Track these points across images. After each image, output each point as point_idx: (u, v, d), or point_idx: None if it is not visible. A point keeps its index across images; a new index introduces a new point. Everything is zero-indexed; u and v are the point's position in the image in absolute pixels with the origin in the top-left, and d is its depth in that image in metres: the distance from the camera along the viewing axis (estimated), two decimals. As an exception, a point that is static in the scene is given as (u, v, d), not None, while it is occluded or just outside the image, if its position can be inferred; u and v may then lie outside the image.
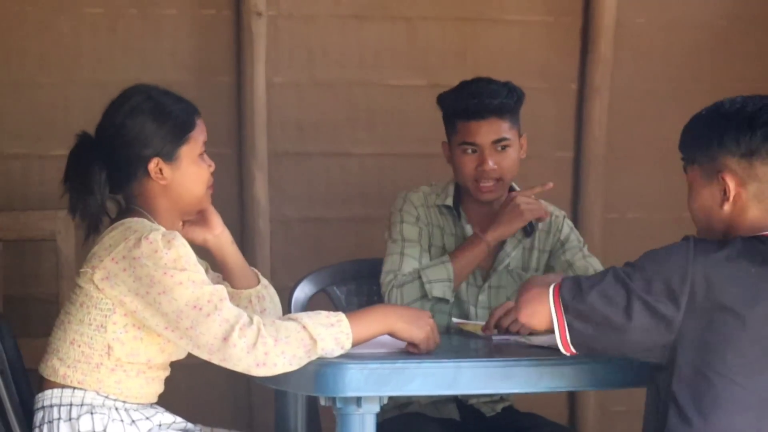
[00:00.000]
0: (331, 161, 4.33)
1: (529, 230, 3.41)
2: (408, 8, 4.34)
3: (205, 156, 2.79)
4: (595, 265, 3.41)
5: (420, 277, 3.26)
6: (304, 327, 2.54)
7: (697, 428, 2.34)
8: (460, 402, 3.36)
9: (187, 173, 2.73)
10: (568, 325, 2.41)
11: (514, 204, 3.26)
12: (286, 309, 3.39)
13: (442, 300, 3.27)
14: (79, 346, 2.64)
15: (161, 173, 2.71)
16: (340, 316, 2.59)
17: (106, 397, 2.65)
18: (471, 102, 3.30)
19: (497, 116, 3.30)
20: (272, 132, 4.25)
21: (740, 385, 2.34)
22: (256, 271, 2.96)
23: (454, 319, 3.28)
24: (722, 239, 2.45)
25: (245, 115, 4.21)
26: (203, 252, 2.86)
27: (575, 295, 2.40)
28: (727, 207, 2.47)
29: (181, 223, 2.83)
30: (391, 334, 2.65)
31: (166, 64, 4.17)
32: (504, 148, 3.31)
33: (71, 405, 2.63)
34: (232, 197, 4.23)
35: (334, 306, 3.61)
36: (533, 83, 4.38)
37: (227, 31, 4.23)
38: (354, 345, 2.59)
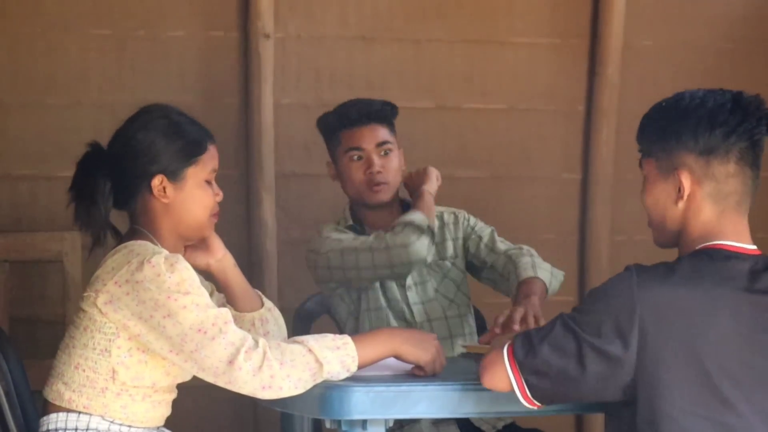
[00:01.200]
0: (338, 183, 4.33)
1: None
2: (416, 30, 4.35)
3: (214, 184, 2.77)
4: (509, 243, 3.51)
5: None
6: (309, 350, 2.53)
7: None
8: (460, 421, 3.35)
9: (191, 196, 2.72)
10: (526, 383, 2.38)
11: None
12: (291, 330, 3.39)
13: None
14: (84, 371, 2.62)
15: (164, 191, 2.70)
16: (346, 338, 2.58)
17: (112, 421, 2.63)
18: (352, 110, 3.49)
19: (377, 122, 3.48)
20: (279, 153, 4.26)
21: (703, 417, 2.28)
22: (260, 293, 2.95)
23: (461, 344, 3.30)
24: (667, 264, 2.37)
25: (252, 137, 4.22)
26: (208, 274, 2.86)
27: (527, 351, 2.36)
28: (681, 204, 2.40)
29: (183, 248, 2.83)
30: (396, 357, 2.64)
31: (173, 86, 4.18)
32: (387, 152, 3.46)
33: (77, 429, 2.62)
34: (239, 218, 4.24)
35: (338, 328, 3.61)
36: (541, 105, 4.40)
37: (235, 52, 4.24)
38: (360, 368, 2.58)
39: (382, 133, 3.47)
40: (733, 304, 2.32)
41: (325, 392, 2.51)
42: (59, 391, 2.64)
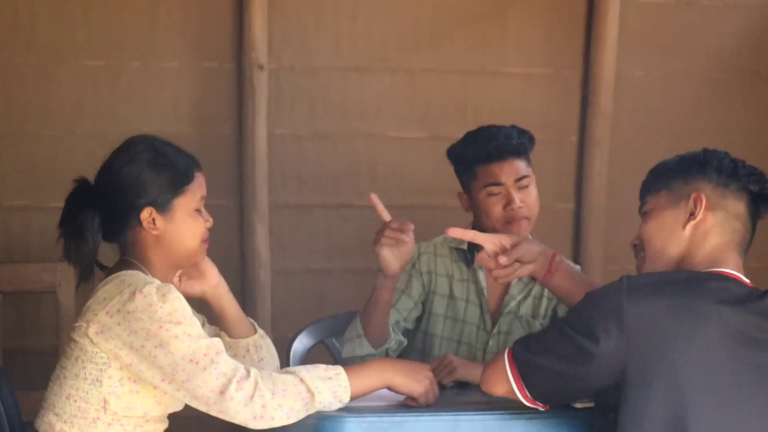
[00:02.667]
0: (332, 213, 4.34)
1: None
2: (409, 60, 4.36)
3: (204, 211, 2.77)
4: None
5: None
6: (301, 380, 2.53)
7: None
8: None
9: (181, 226, 2.71)
10: (524, 384, 2.48)
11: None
12: (285, 361, 3.38)
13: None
14: (75, 401, 2.62)
15: (153, 223, 2.69)
16: (339, 369, 2.58)
17: (103, 452, 2.63)
18: (490, 145, 3.34)
19: (515, 156, 3.35)
20: (273, 183, 4.26)
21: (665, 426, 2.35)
22: (253, 321, 2.95)
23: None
24: (661, 276, 2.47)
25: (246, 167, 4.22)
26: (200, 305, 2.85)
27: (526, 352, 2.48)
28: (689, 228, 2.51)
29: (177, 277, 2.83)
30: (389, 388, 2.64)
31: (167, 117, 4.19)
32: (526, 186, 3.35)
33: (67, 460, 2.62)
34: (233, 249, 4.24)
35: (332, 358, 3.61)
36: (534, 135, 4.40)
37: (229, 83, 4.24)
38: (352, 398, 2.58)
39: (521, 167, 3.34)
40: (721, 320, 2.37)
41: (318, 422, 2.51)
42: (51, 422, 2.64)
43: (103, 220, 2.70)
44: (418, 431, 2.54)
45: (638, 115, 4.51)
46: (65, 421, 2.62)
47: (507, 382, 2.50)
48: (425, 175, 4.25)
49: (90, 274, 2.70)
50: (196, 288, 2.86)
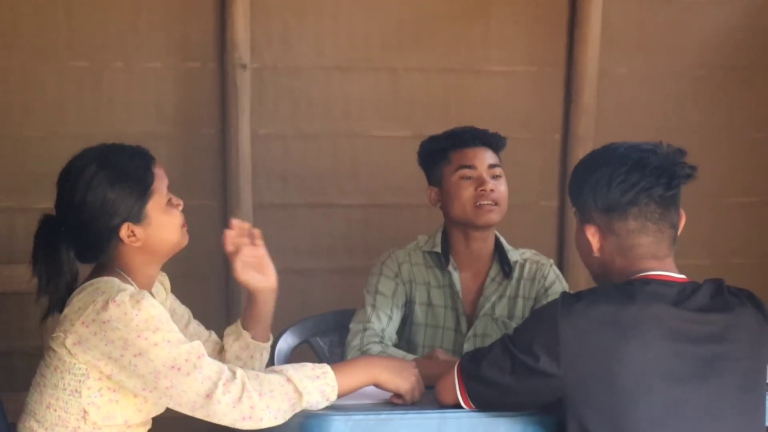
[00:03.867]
0: (316, 212, 4.34)
1: (507, 270, 3.41)
2: (392, 59, 4.36)
3: (172, 198, 2.73)
4: None
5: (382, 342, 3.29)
6: (288, 380, 2.52)
7: None
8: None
9: (159, 226, 2.68)
10: (467, 389, 2.57)
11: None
12: (270, 360, 3.38)
13: None
14: (55, 410, 2.60)
15: (134, 235, 2.66)
16: (326, 368, 2.58)
17: (86, 459, 2.61)
18: (465, 132, 3.41)
19: (488, 146, 3.39)
20: (257, 183, 4.26)
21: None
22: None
23: None
24: (595, 288, 2.51)
25: (230, 167, 4.22)
26: (186, 299, 2.84)
27: (472, 365, 2.56)
28: (598, 253, 2.55)
29: (239, 262, 2.81)
30: (376, 385, 2.64)
31: (151, 117, 4.18)
32: (498, 176, 3.37)
33: (50, 466, 2.60)
34: (217, 249, 4.21)
35: (317, 357, 3.61)
36: (518, 133, 4.41)
37: (212, 83, 4.24)
38: (339, 396, 2.58)
39: (493, 157, 3.40)
40: (659, 318, 2.41)
41: (305, 421, 2.51)
42: (32, 428, 2.62)
43: (77, 248, 2.66)
44: (404, 429, 2.55)
45: (621, 112, 4.52)
46: (46, 429, 2.60)
47: (454, 392, 2.57)
48: (409, 174, 4.23)
49: (63, 304, 2.66)
50: (258, 282, 2.85)
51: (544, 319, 2.46)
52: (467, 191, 3.35)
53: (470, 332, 3.39)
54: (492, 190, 3.33)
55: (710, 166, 4.45)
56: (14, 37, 4.09)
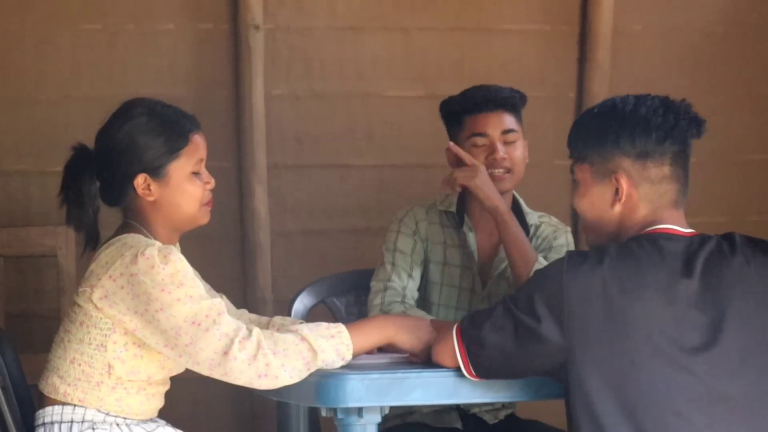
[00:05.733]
0: (331, 173, 4.34)
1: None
2: (405, 19, 4.35)
3: (204, 173, 2.76)
4: None
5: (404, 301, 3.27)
6: (303, 338, 2.53)
7: None
8: (461, 411, 3.36)
9: (177, 191, 2.70)
10: (468, 356, 2.50)
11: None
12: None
13: None
14: (80, 365, 2.63)
15: (149, 189, 2.69)
16: (340, 327, 2.59)
17: (107, 414, 2.64)
18: (478, 95, 3.35)
19: (504, 109, 3.34)
20: (271, 145, 4.26)
21: (613, 393, 2.35)
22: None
23: None
24: (601, 248, 2.44)
25: (244, 129, 4.22)
26: (199, 260, 2.85)
27: (473, 329, 2.49)
28: (617, 207, 2.50)
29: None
30: (391, 345, 2.65)
31: (164, 79, 4.18)
32: (512, 142, 3.33)
33: (72, 422, 2.63)
34: (232, 211, 4.24)
35: (333, 317, 3.62)
36: (531, 92, 4.36)
37: (225, 44, 4.23)
38: (354, 356, 2.59)
39: (509, 120, 3.34)
40: (663, 282, 2.38)
41: (321, 380, 2.52)
42: (54, 384, 2.65)
43: (101, 186, 2.71)
44: (420, 388, 2.55)
45: (636, 70, 4.49)
46: (69, 384, 2.64)
47: (454, 356, 2.52)
48: (423, 134, 4.24)
49: (95, 239, 2.70)
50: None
51: (549, 278, 2.41)
52: (479, 158, 3.31)
53: (484, 292, 3.39)
54: (504, 158, 3.30)
55: (726, 124, 4.44)
56: (27, 1, 4.09)
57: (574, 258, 2.42)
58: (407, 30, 4.35)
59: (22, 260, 4.02)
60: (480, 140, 3.32)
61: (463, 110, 3.36)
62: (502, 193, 3.30)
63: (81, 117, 4.02)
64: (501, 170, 3.31)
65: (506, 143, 3.32)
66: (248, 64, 4.19)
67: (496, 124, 3.32)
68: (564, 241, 3.43)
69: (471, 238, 3.40)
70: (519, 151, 3.35)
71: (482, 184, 3.23)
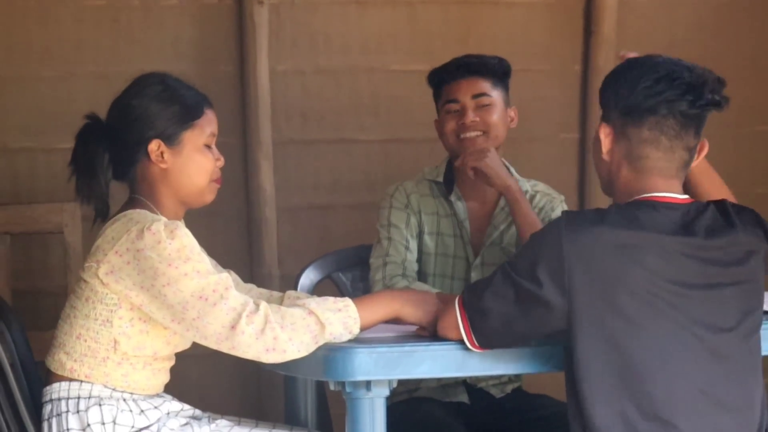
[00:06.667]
0: (336, 148, 4.33)
1: None
2: (409, -8, 4.34)
3: (214, 149, 2.78)
4: None
5: (406, 275, 3.28)
6: (311, 312, 2.54)
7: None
8: (468, 385, 3.36)
9: (189, 160, 2.72)
10: (471, 326, 2.50)
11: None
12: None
13: None
14: (86, 341, 2.64)
15: (162, 156, 2.70)
16: (347, 301, 2.59)
17: (113, 389, 2.64)
18: (452, 63, 3.39)
19: (478, 75, 3.36)
20: (276, 120, 4.26)
21: (605, 358, 2.36)
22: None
23: None
24: (599, 209, 2.45)
25: (249, 104, 4.21)
26: (206, 236, 2.85)
27: (474, 299, 2.49)
28: (606, 156, 2.51)
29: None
30: (398, 318, 2.65)
31: (168, 55, 4.17)
32: (485, 105, 3.34)
33: (79, 398, 2.63)
34: (238, 186, 4.24)
35: (339, 292, 3.62)
36: (537, 65, 4.39)
37: (229, 20, 4.22)
38: (362, 330, 2.59)
39: (481, 85, 3.35)
40: (662, 245, 2.38)
41: (329, 354, 2.52)
42: (61, 360, 2.66)
43: (112, 157, 2.71)
44: (428, 361, 2.55)
45: (642, 42, 4.46)
46: (75, 360, 2.64)
47: (458, 328, 2.52)
48: (428, 108, 4.22)
49: (106, 210, 2.71)
50: None
51: (548, 240, 2.40)
52: (450, 125, 3.36)
53: (477, 260, 3.39)
54: (474, 121, 3.32)
55: (733, 95, 4.38)
56: (31, -23, 4.08)
57: (572, 219, 2.41)
58: (412, 3, 4.34)
59: (29, 237, 4.02)
60: (453, 106, 3.36)
61: (440, 80, 3.41)
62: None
63: (85, 93, 4.01)
64: (472, 133, 3.33)
65: (479, 107, 3.34)
66: (253, 40, 4.18)
67: (466, 90, 3.35)
68: (560, 212, 3.43)
69: (460, 206, 3.40)
70: (493, 116, 3.35)
71: (492, 163, 3.24)
